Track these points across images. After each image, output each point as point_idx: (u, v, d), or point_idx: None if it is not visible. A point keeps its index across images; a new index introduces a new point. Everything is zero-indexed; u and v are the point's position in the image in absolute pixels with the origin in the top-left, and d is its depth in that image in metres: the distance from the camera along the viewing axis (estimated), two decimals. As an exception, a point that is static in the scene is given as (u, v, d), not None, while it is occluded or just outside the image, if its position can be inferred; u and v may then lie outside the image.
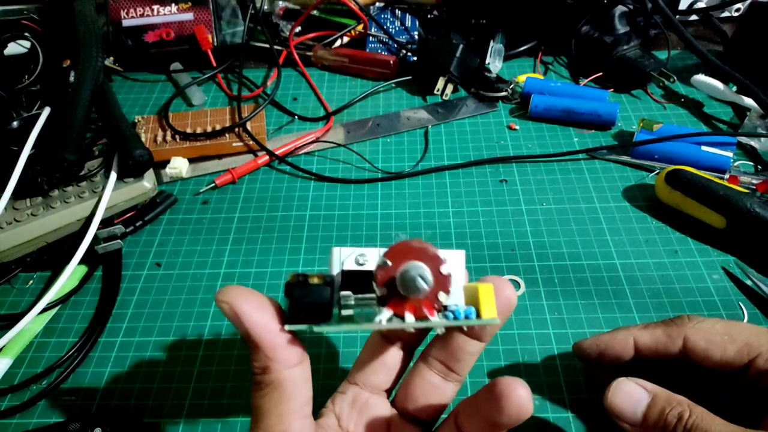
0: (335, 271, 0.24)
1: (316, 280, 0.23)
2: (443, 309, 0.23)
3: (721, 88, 0.53)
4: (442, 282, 0.22)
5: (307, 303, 0.22)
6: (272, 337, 0.22)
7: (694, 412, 0.25)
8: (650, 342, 0.30)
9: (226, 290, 0.22)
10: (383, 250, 0.23)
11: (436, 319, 0.22)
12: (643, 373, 0.28)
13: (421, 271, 0.22)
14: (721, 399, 0.27)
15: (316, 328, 0.22)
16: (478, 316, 0.23)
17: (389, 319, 0.22)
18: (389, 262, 0.22)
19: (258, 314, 0.22)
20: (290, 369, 0.23)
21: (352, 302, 0.24)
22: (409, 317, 0.22)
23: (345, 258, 0.24)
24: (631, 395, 0.27)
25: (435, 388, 0.26)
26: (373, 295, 0.23)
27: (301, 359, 0.24)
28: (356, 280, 0.24)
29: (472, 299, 0.23)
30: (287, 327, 0.22)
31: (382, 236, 0.44)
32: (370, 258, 0.24)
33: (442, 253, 0.23)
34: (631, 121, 0.52)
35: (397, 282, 0.22)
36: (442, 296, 0.22)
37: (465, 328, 0.25)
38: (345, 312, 0.24)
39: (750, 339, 0.28)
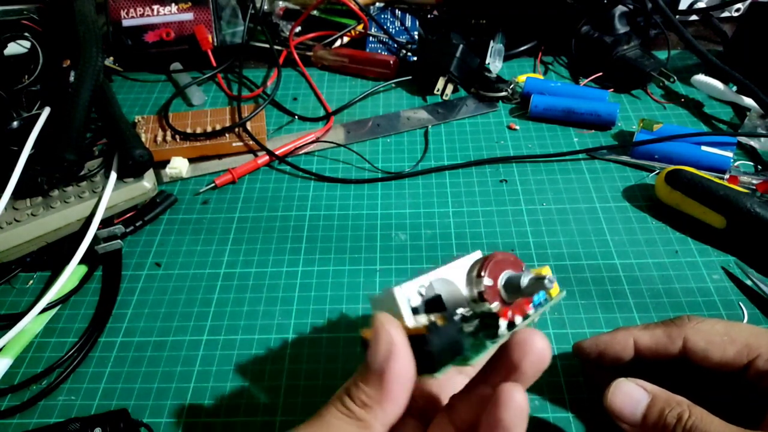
0: (405, 312, 0.24)
1: (440, 322, 0.23)
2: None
3: (721, 88, 0.53)
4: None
5: (449, 344, 0.23)
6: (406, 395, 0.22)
7: (693, 413, 0.25)
8: (650, 342, 0.30)
9: (389, 320, 0.22)
10: (440, 271, 0.24)
11: (531, 311, 0.25)
12: (642, 373, 0.28)
13: (526, 277, 0.24)
14: (720, 400, 0.27)
15: (454, 365, 0.23)
16: (549, 296, 0.26)
17: (508, 327, 0.24)
18: (491, 280, 0.24)
19: (406, 361, 0.22)
20: (388, 422, 0.23)
21: (473, 320, 0.24)
22: (518, 319, 0.24)
23: (410, 296, 0.24)
24: (630, 396, 0.27)
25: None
26: (486, 309, 0.24)
27: None
28: (436, 307, 0.25)
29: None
30: (438, 375, 0.23)
31: (382, 236, 0.44)
32: (423, 285, 0.24)
33: (465, 261, 0.26)
34: (631, 121, 0.52)
35: (504, 292, 0.24)
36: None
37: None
38: (467, 328, 0.24)
39: (750, 340, 0.28)
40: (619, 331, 0.31)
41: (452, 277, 0.25)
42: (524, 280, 0.23)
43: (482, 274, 0.24)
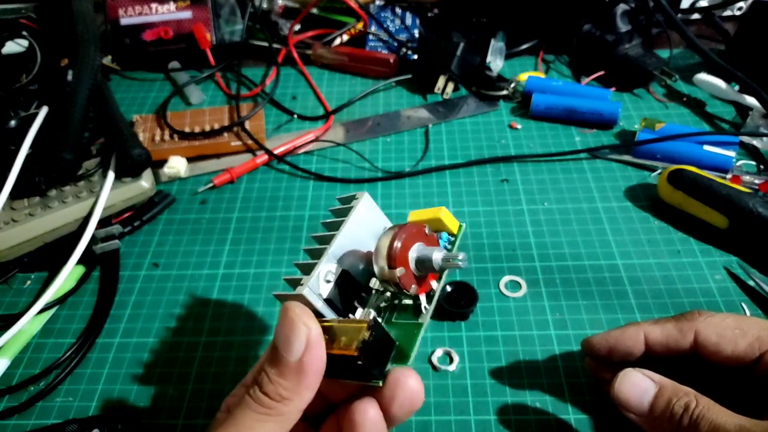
0: (318, 305, 0.24)
1: (368, 327, 0.23)
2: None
3: (724, 87, 0.52)
4: (433, 240, 0.26)
5: (379, 349, 0.23)
6: (319, 378, 0.23)
7: (700, 402, 0.25)
8: (661, 337, 0.29)
9: (301, 311, 0.23)
10: (331, 266, 0.24)
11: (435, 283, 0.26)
12: (652, 370, 0.28)
13: (429, 251, 0.25)
14: (729, 394, 0.27)
15: (393, 364, 0.24)
16: (452, 235, 0.28)
17: (428, 301, 0.25)
18: (401, 267, 0.24)
19: (322, 353, 0.23)
20: (304, 407, 0.23)
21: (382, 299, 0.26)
22: (434, 284, 0.26)
23: (317, 288, 0.24)
24: (638, 385, 0.27)
25: None
26: (395, 291, 0.25)
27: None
28: (346, 296, 0.25)
29: (440, 228, 0.28)
30: (381, 383, 0.23)
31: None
32: (329, 271, 0.25)
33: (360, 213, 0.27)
34: (633, 120, 0.52)
35: (419, 268, 0.25)
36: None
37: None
38: (382, 301, 0.26)
39: (761, 333, 0.28)
40: (630, 326, 0.31)
41: (351, 240, 0.26)
42: (437, 261, 0.24)
43: (393, 265, 0.24)
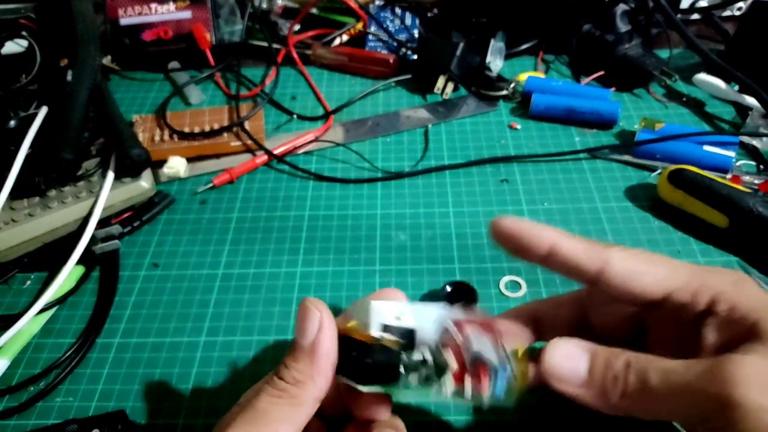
0: (374, 327, 0.24)
1: (395, 346, 0.23)
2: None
3: (723, 87, 0.52)
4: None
5: (384, 365, 0.23)
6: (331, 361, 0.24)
7: (639, 356, 0.24)
8: (568, 250, 0.26)
9: (316, 301, 0.24)
10: (426, 307, 0.24)
11: (487, 394, 0.23)
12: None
13: (489, 350, 0.23)
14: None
15: (385, 389, 0.23)
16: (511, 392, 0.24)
17: (455, 392, 0.23)
18: (460, 337, 0.23)
19: (332, 334, 0.24)
20: (319, 396, 0.24)
21: (422, 368, 0.24)
22: (467, 387, 0.23)
23: (385, 314, 0.24)
24: (570, 356, 0.25)
25: None
26: (442, 364, 0.23)
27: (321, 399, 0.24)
28: (409, 339, 0.24)
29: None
30: (365, 389, 0.23)
31: (382, 236, 0.43)
32: (406, 315, 0.24)
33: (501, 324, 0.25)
34: (632, 121, 0.52)
35: (469, 359, 0.23)
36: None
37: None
38: (412, 377, 0.24)
39: (671, 271, 0.25)
40: (547, 228, 0.27)
41: (434, 317, 0.25)
42: (473, 354, 0.23)
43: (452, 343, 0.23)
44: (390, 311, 0.24)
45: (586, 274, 0.26)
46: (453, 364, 0.23)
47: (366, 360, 0.23)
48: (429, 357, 0.23)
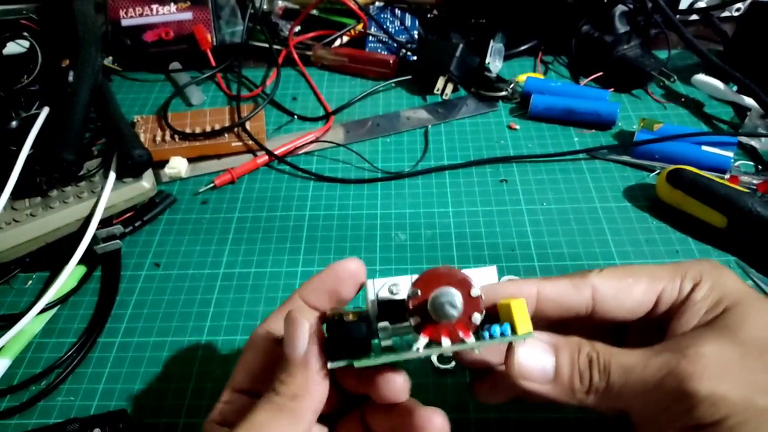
0: (370, 302, 0.24)
1: (351, 317, 0.23)
2: (479, 329, 0.23)
3: (722, 87, 0.53)
4: (474, 304, 0.22)
5: (346, 340, 0.23)
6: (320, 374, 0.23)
7: (599, 350, 0.24)
8: (554, 293, 0.26)
9: (303, 310, 0.24)
10: (414, 277, 0.24)
11: (472, 341, 0.22)
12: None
13: (449, 297, 0.22)
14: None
15: (357, 363, 0.23)
16: (514, 331, 0.23)
17: (426, 345, 0.22)
18: (419, 292, 0.23)
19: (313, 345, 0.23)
20: (317, 407, 0.23)
21: (390, 332, 0.24)
22: (446, 341, 0.22)
23: (378, 289, 0.24)
24: (535, 356, 0.24)
25: None
26: (408, 324, 0.23)
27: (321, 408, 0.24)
28: (391, 309, 0.24)
29: (506, 315, 0.24)
30: (330, 365, 0.23)
31: (382, 236, 0.44)
32: (402, 286, 0.24)
33: (473, 273, 0.24)
34: (631, 121, 0.52)
35: (429, 309, 0.22)
36: (475, 317, 0.22)
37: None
38: (384, 343, 0.24)
39: (652, 273, 0.26)
40: (525, 281, 0.27)
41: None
42: (430, 301, 0.22)
43: (414, 284, 0.23)
44: (386, 285, 0.24)
45: (576, 308, 0.26)
46: (413, 317, 0.23)
47: (336, 335, 0.23)
48: (408, 324, 0.23)
